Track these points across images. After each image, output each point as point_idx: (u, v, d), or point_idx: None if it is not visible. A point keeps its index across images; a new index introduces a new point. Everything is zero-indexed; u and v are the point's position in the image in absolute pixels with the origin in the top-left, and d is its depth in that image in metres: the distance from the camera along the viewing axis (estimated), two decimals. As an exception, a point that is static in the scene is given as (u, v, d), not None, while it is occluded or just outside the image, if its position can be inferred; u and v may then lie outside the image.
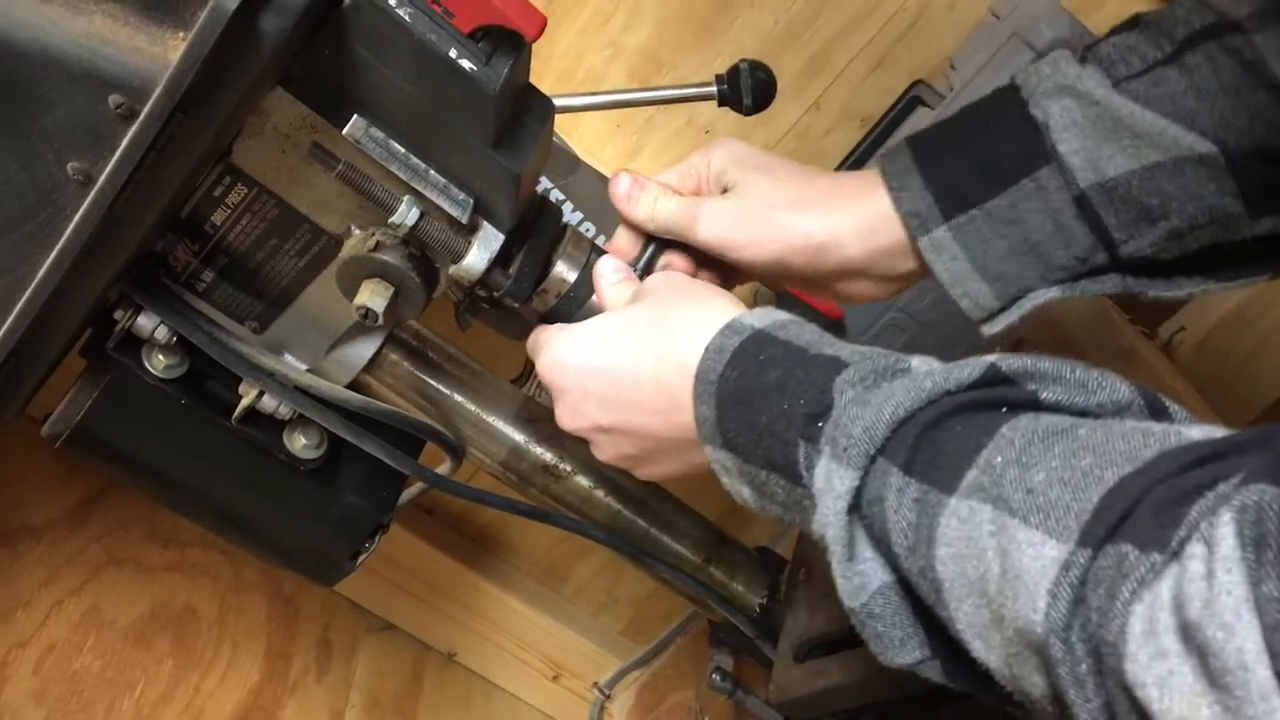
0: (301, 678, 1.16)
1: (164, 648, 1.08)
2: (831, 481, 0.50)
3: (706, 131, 1.12)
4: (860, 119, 1.12)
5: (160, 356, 0.72)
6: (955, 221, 0.68)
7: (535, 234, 0.71)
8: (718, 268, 0.75)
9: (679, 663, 1.22)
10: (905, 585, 0.50)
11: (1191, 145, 0.64)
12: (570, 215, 1.00)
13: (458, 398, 0.83)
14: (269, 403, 0.73)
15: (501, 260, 0.69)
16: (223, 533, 0.85)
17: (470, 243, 0.67)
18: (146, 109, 0.53)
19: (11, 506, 1.06)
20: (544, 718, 1.35)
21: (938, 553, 0.47)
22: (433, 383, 0.82)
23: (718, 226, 0.71)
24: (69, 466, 1.07)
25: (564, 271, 0.73)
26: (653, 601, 1.37)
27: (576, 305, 0.74)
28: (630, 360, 0.62)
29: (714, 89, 0.96)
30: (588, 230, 1.01)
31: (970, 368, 0.50)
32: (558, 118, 0.72)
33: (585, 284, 0.73)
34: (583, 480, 0.87)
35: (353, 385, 0.77)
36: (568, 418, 0.67)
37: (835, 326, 1.10)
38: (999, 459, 0.45)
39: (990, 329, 0.70)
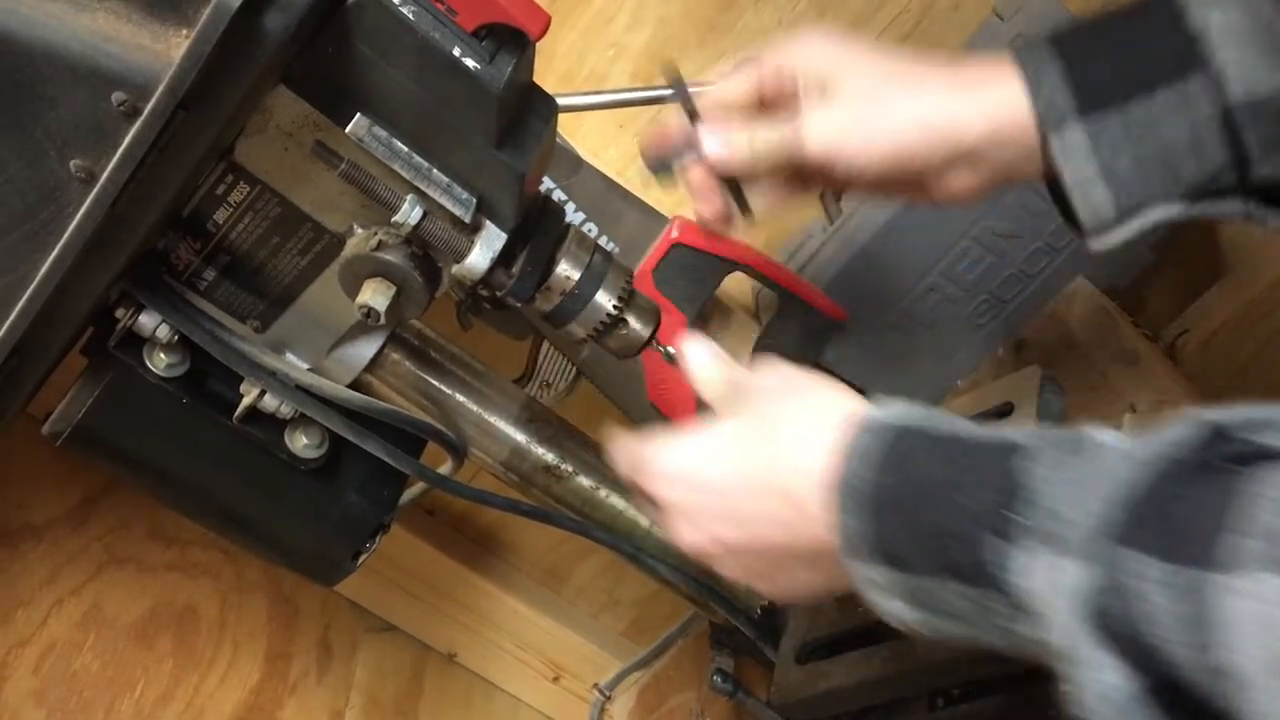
0: (302, 678, 1.16)
1: (165, 647, 1.08)
2: (1052, 576, 0.44)
3: (709, 132, 1.12)
4: (863, 120, 1.11)
5: (162, 355, 0.72)
6: (1091, 119, 0.63)
7: (538, 233, 0.71)
8: (816, 179, 0.71)
9: (680, 664, 1.22)
10: (1164, 687, 0.43)
11: None
12: (573, 216, 1.00)
13: (459, 397, 0.83)
14: (270, 402, 0.73)
15: (504, 260, 0.69)
16: (224, 532, 0.85)
17: (473, 242, 0.67)
18: (149, 107, 0.53)
19: (12, 505, 1.06)
20: (544, 719, 1.34)
21: (1230, 640, 0.40)
22: (434, 382, 0.82)
23: (827, 138, 0.66)
24: (70, 465, 1.07)
25: (567, 270, 0.73)
26: (654, 602, 1.37)
27: (580, 304, 0.73)
28: (746, 472, 0.58)
29: None
30: (590, 231, 1.01)
31: (1183, 426, 0.44)
32: (560, 118, 0.72)
33: (589, 282, 0.73)
34: (584, 481, 0.87)
35: (354, 385, 0.77)
36: (687, 534, 0.61)
37: (838, 327, 1.10)
38: (1264, 516, 0.40)
39: (1103, 242, 0.66)
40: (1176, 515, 0.43)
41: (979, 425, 0.52)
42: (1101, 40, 0.64)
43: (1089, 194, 0.64)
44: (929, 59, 0.68)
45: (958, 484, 0.49)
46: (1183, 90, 0.62)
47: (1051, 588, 0.45)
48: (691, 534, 0.61)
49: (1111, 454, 0.46)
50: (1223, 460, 0.43)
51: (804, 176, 0.71)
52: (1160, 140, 0.63)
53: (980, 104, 0.65)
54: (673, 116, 0.73)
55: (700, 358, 0.67)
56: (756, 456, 0.57)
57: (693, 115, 0.71)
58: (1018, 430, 0.50)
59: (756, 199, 0.72)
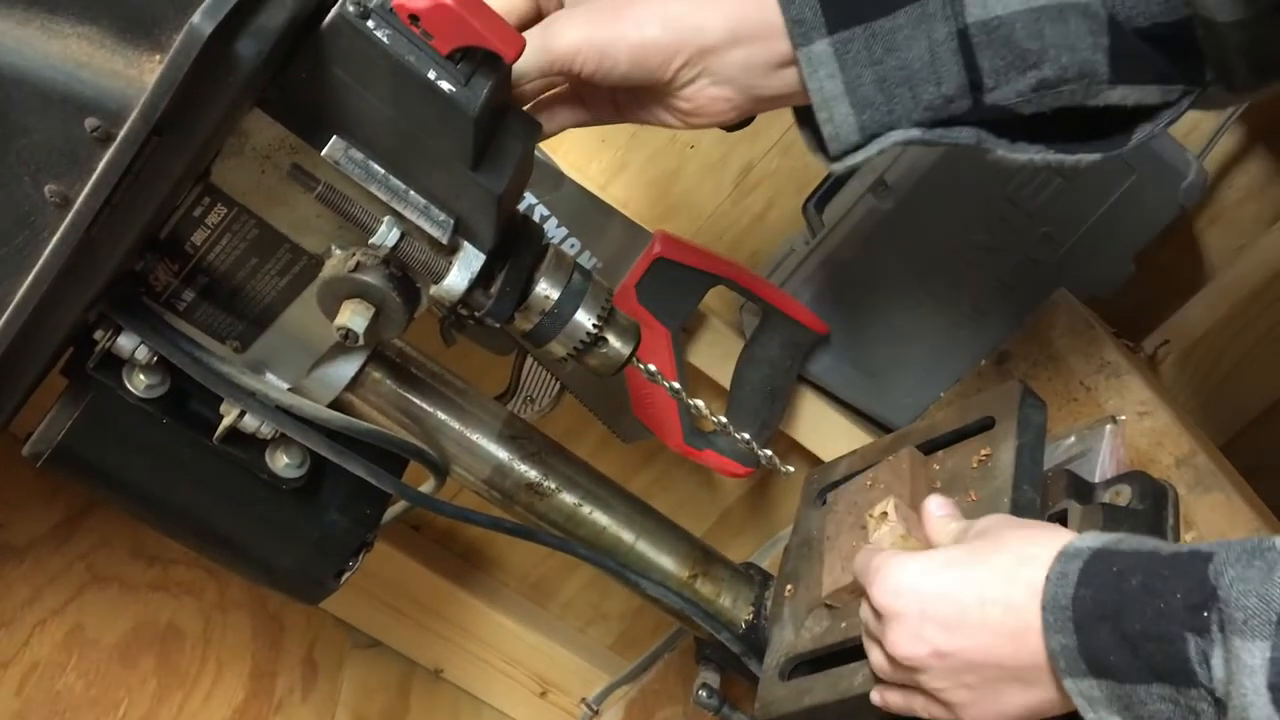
0: (287, 696, 1.15)
1: (148, 667, 1.07)
2: (1240, 658, 0.50)
3: (691, 147, 1.12)
4: (845, 134, 1.12)
5: (141, 376, 0.72)
6: (839, 36, 0.64)
7: (517, 253, 0.71)
8: (593, 105, 0.71)
9: (666, 678, 1.22)
10: None
11: None
12: (555, 231, 1.01)
13: (441, 415, 0.83)
14: (251, 422, 0.73)
15: (483, 280, 0.69)
16: (205, 552, 0.85)
17: (451, 263, 0.67)
18: (123, 132, 0.53)
19: (-6, 525, 1.05)
20: (532, 734, 1.34)
21: None
22: (416, 400, 0.82)
23: (574, 34, 0.65)
24: (52, 484, 1.07)
25: (546, 289, 0.73)
26: (641, 617, 1.37)
27: (560, 323, 0.73)
28: (976, 584, 0.61)
29: None
30: (572, 246, 1.01)
31: None
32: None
33: (568, 301, 0.73)
34: (567, 497, 0.87)
35: (335, 404, 0.77)
36: (905, 643, 0.63)
37: (820, 340, 1.10)
38: None
39: (844, 164, 0.68)
40: None
41: (1169, 543, 0.57)
42: None
43: (834, 113, 0.65)
44: None
45: (1152, 589, 0.54)
46: (925, 6, 0.63)
47: (1246, 670, 0.50)
48: (910, 643, 0.63)
49: None
50: None
51: (579, 95, 0.71)
52: (901, 59, 0.64)
53: (725, 6, 0.65)
54: None
55: (936, 509, 0.71)
56: (990, 571, 0.61)
57: None
58: (1207, 544, 0.55)
59: (549, 121, 0.71)
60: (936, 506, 0.72)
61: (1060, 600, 0.56)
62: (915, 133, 0.67)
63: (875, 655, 0.68)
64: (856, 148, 0.67)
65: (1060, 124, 0.67)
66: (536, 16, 0.68)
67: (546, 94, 0.72)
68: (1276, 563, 0.51)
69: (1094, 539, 0.59)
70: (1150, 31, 0.65)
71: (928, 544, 0.72)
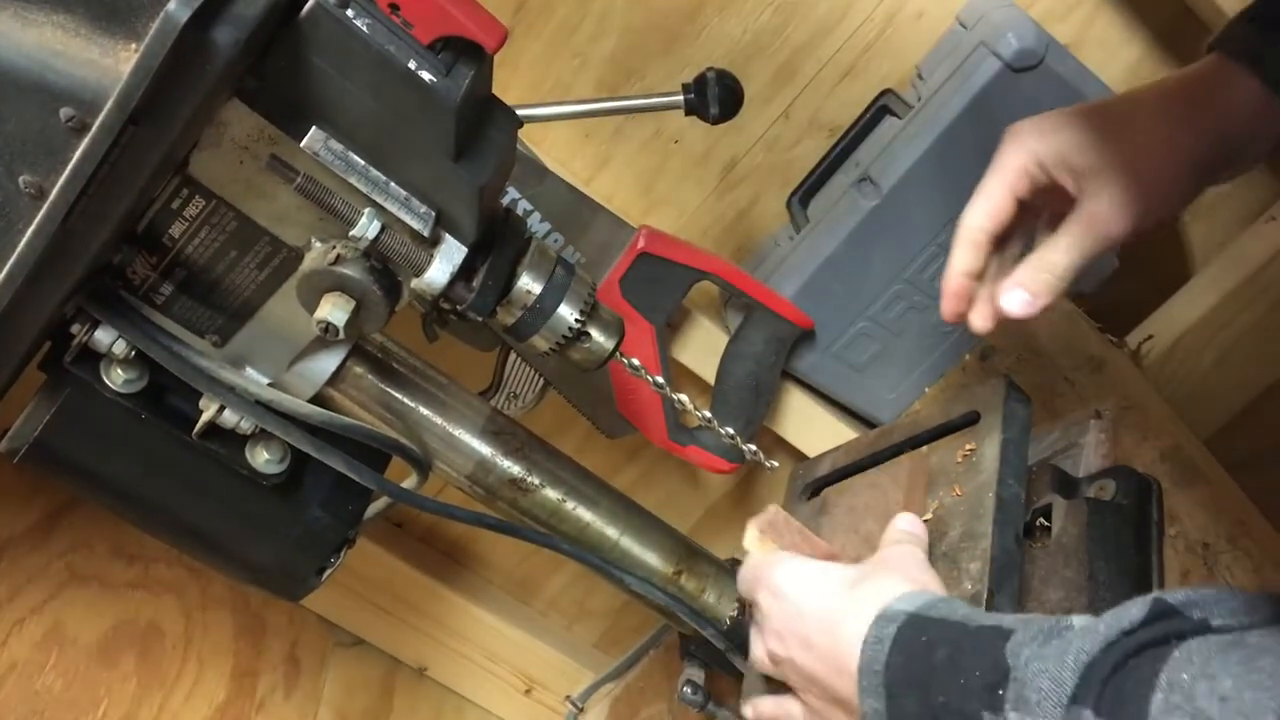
0: (269, 695, 1.14)
1: (128, 666, 1.06)
2: None
3: (676, 141, 1.11)
4: (829, 129, 1.12)
5: (119, 371, 0.71)
6: None
7: (499, 247, 0.70)
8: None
9: (651, 675, 1.21)
10: None
11: None
12: (538, 226, 1.00)
13: (423, 411, 0.82)
14: (230, 417, 0.72)
15: (465, 274, 0.68)
16: (185, 549, 0.84)
17: (433, 256, 0.66)
18: (98, 122, 0.52)
19: (-29, 523, 1.04)
20: (516, 732, 1.34)
21: None
22: (398, 396, 0.81)
23: (1130, 216, 0.68)
24: (30, 482, 1.05)
25: (529, 284, 0.72)
26: (625, 613, 1.37)
27: (543, 318, 0.73)
28: (830, 612, 0.66)
29: (681, 98, 0.96)
30: (555, 241, 1.01)
31: (1138, 606, 0.53)
32: (526, 127, 0.72)
33: (551, 296, 0.72)
34: (551, 493, 0.86)
35: (316, 399, 0.76)
36: (772, 643, 0.70)
37: (805, 335, 1.10)
38: (1183, 676, 0.48)
39: None
40: (1121, 680, 0.51)
41: (977, 611, 0.61)
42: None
43: None
44: (1148, 91, 0.71)
45: (956, 664, 0.57)
46: None
47: None
48: (775, 644, 0.70)
49: (1082, 633, 0.54)
50: (1165, 633, 0.52)
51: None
52: None
53: (1234, 96, 0.69)
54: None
55: (900, 532, 0.75)
56: (838, 604, 0.66)
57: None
58: (1011, 616, 0.58)
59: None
60: (907, 525, 0.76)
61: (874, 665, 0.60)
62: None
63: (757, 645, 0.74)
64: None
65: None
66: (1016, 212, 0.72)
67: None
68: (1070, 644, 0.53)
69: (911, 601, 0.62)
70: None
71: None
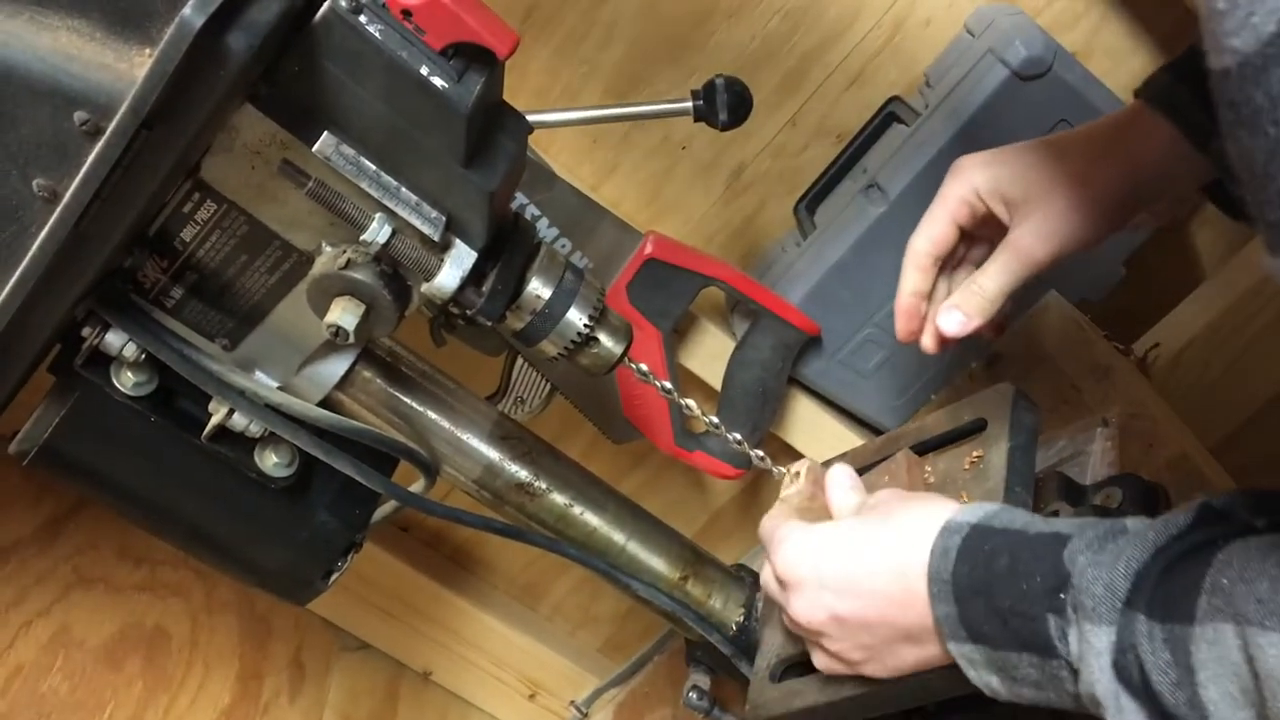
0: (274, 698, 1.14)
1: (134, 669, 1.07)
2: (1089, 641, 0.55)
3: (683, 148, 1.12)
4: (836, 135, 1.12)
5: (129, 374, 0.71)
6: None
7: (509, 252, 0.70)
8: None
9: (656, 681, 1.21)
10: None
11: None
12: (547, 231, 1.00)
13: (432, 415, 0.83)
14: (239, 420, 0.72)
15: (474, 279, 0.69)
16: (193, 552, 0.84)
17: (443, 260, 0.66)
18: (112, 126, 0.52)
19: (-21, 525, 1.05)
20: (521, 737, 1.34)
21: (1199, 679, 0.52)
22: (406, 400, 0.81)
23: (1049, 240, 0.75)
24: (38, 484, 1.06)
25: (538, 289, 0.72)
26: (630, 619, 1.37)
27: (552, 322, 0.73)
28: (866, 553, 0.67)
29: (689, 105, 0.96)
30: (563, 246, 1.01)
31: (1186, 513, 0.57)
32: (534, 134, 0.72)
33: (560, 300, 0.72)
34: (558, 498, 0.86)
35: (325, 402, 0.76)
36: (804, 609, 0.70)
37: (811, 341, 1.10)
38: (1224, 580, 0.52)
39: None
40: (1170, 584, 0.54)
41: (1038, 518, 0.63)
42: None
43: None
44: (1073, 136, 0.77)
45: (1017, 571, 0.59)
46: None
47: (1094, 652, 0.56)
48: (809, 609, 0.69)
49: (1134, 538, 0.57)
50: (1212, 536, 0.54)
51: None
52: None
53: (1155, 142, 0.74)
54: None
55: (841, 479, 0.77)
56: (878, 541, 0.67)
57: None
58: (1069, 521, 0.61)
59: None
60: (840, 476, 0.77)
61: (942, 574, 0.62)
62: None
63: (785, 617, 0.74)
64: None
65: None
66: (956, 235, 0.79)
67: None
68: (1123, 550, 0.56)
69: (973, 513, 0.64)
70: None
71: (828, 509, 0.77)
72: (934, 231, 0.79)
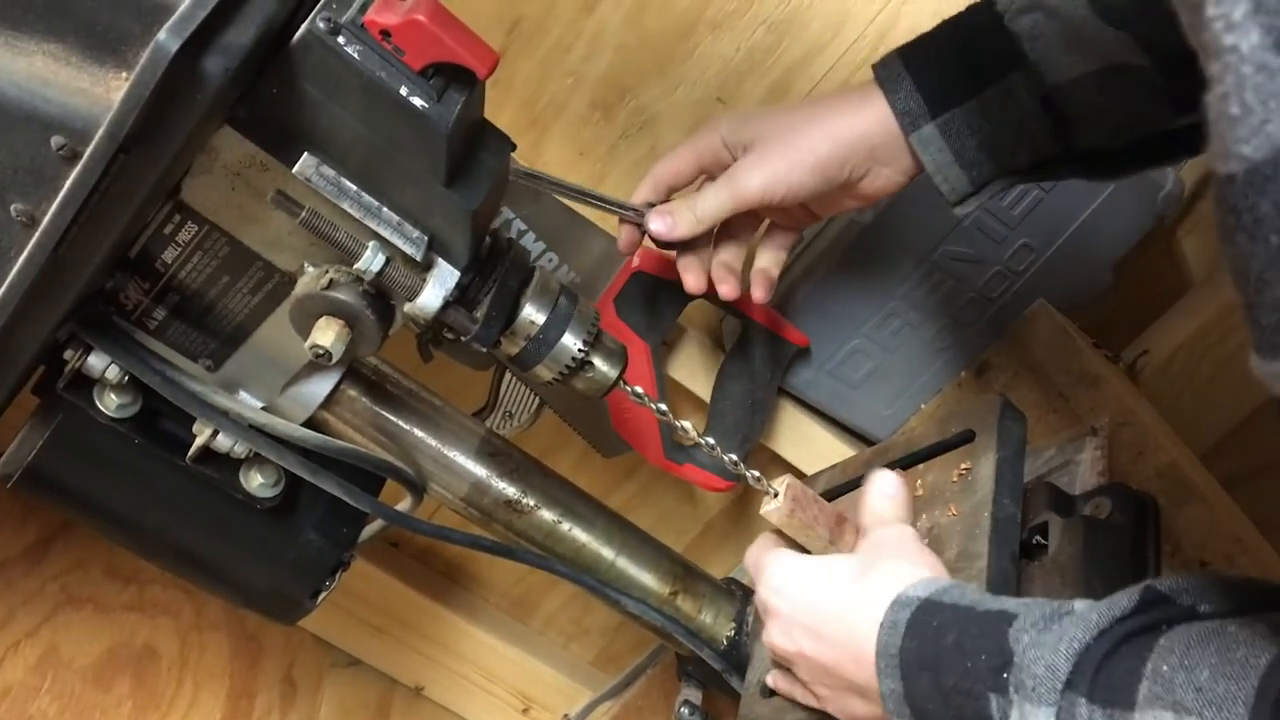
0: (265, 716, 1.14)
1: (123, 689, 1.06)
2: None
3: (670, 160, 1.11)
4: (823, 146, 1.12)
5: (112, 396, 0.71)
6: (940, 118, 0.77)
7: (502, 277, 0.70)
8: (772, 230, 0.87)
9: (649, 694, 1.21)
10: None
11: (1130, 55, 0.73)
12: (533, 245, 1.00)
13: (418, 433, 0.82)
14: (224, 441, 0.72)
15: (468, 304, 0.69)
16: (180, 573, 0.83)
17: (425, 280, 0.66)
18: (89, 150, 0.52)
19: (-34, 547, 1.04)
20: (514, 751, 1.33)
21: None
22: (392, 418, 0.81)
23: (760, 177, 0.79)
24: (25, 504, 1.05)
25: (533, 314, 0.72)
26: (623, 632, 1.36)
27: (547, 347, 0.73)
28: (834, 603, 0.69)
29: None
30: (550, 260, 1.01)
31: (1130, 595, 0.57)
32: (521, 145, 0.72)
33: (554, 326, 0.72)
34: (546, 515, 0.86)
35: (310, 422, 0.76)
36: (779, 638, 0.73)
37: (801, 353, 1.10)
38: (1165, 666, 0.52)
39: (962, 209, 0.81)
40: (1112, 668, 0.54)
41: (987, 596, 0.64)
42: (941, 51, 0.78)
43: (947, 175, 0.79)
44: (821, 97, 0.84)
45: (963, 648, 0.60)
46: (1008, 84, 0.76)
47: None
48: (782, 639, 0.72)
49: (1078, 619, 0.57)
50: (1156, 620, 0.55)
51: (754, 219, 0.86)
52: (996, 126, 0.77)
53: (870, 114, 0.79)
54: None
55: (886, 487, 0.77)
56: (845, 595, 0.69)
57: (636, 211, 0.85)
58: (1016, 601, 0.62)
59: (777, 251, 0.89)
60: (884, 484, 0.78)
61: (890, 649, 0.63)
62: (1018, 177, 0.80)
63: (764, 640, 0.76)
64: (971, 195, 0.80)
65: (1145, 144, 0.79)
66: (696, 172, 0.85)
67: (768, 228, 0.88)
68: (1066, 631, 0.56)
69: (924, 587, 0.65)
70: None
71: (809, 526, 0.78)
72: (675, 163, 0.84)
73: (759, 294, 0.88)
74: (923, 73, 0.77)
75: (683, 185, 0.86)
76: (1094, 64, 0.75)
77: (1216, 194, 0.41)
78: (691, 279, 0.86)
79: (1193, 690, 0.50)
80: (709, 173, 0.85)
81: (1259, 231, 0.39)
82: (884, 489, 0.77)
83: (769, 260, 0.88)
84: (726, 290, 0.86)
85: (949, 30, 0.79)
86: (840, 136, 0.79)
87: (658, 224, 0.83)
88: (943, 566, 0.71)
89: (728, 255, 0.86)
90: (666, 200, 0.85)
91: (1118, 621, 0.56)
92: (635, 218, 0.85)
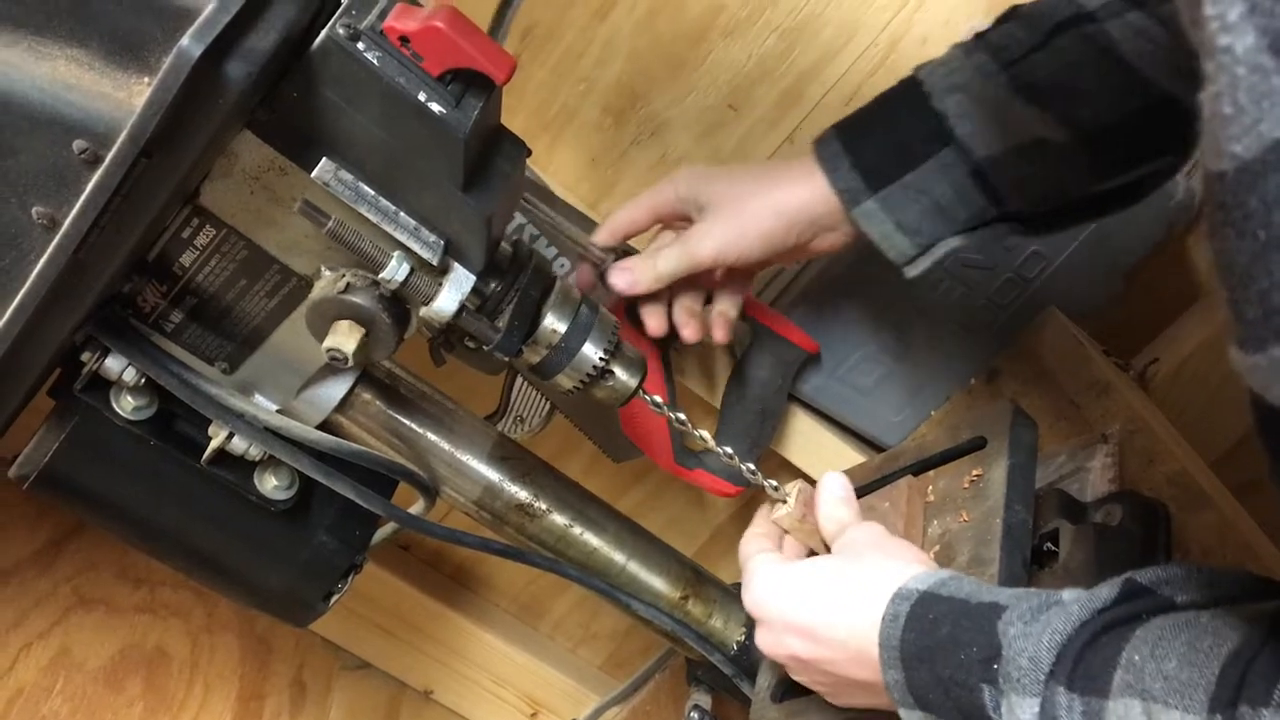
0: (275, 718, 1.14)
1: (134, 690, 1.06)
2: (1016, 712, 0.57)
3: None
4: (834, 153, 1.12)
5: (128, 398, 0.71)
6: (880, 194, 0.83)
7: (524, 287, 0.71)
8: (729, 275, 0.90)
9: (658, 699, 1.21)
10: None
11: (1049, 131, 0.79)
12: (545, 250, 1.00)
13: (431, 436, 0.83)
14: (239, 444, 0.73)
15: (489, 313, 0.69)
16: (193, 575, 0.84)
17: (441, 284, 0.67)
18: (111, 154, 0.52)
19: (-21, 548, 1.04)
20: (522, 755, 1.33)
21: None
22: (405, 421, 0.82)
23: (713, 244, 0.84)
24: (38, 506, 1.06)
25: (554, 324, 0.73)
26: (631, 636, 1.36)
27: (568, 357, 0.74)
28: (827, 605, 0.70)
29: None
30: (562, 266, 1.01)
31: (1111, 587, 0.59)
32: (534, 151, 0.72)
33: (575, 336, 0.73)
34: (558, 519, 0.87)
35: (324, 425, 0.76)
36: (768, 645, 0.74)
37: (811, 359, 1.10)
38: (1136, 656, 0.54)
39: (913, 271, 0.86)
40: (1091, 658, 0.57)
41: (984, 587, 0.65)
42: (874, 130, 0.84)
43: (893, 242, 0.84)
44: (769, 165, 0.92)
45: (957, 640, 0.62)
46: (940, 159, 0.82)
47: None
48: (772, 646, 0.74)
49: (1061, 611, 0.59)
50: (1136, 611, 0.58)
51: (709, 276, 0.90)
52: (933, 197, 0.83)
53: (812, 188, 0.84)
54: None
55: (835, 489, 0.79)
56: (839, 595, 0.70)
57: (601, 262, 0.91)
58: (1010, 592, 0.63)
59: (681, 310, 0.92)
60: (833, 485, 0.80)
61: (891, 641, 0.65)
62: (959, 240, 0.85)
63: (755, 643, 0.77)
64: (917, 259, 0.85)
65: (1076, 205, 0.86)
66: (653, 222, 0.90)
67: (726, 273, 0.91)
68: (1050, 622, 0.58)
69: (923, 580, 0.66)
70: (1120, 125, 0.79)
71: (819, 530, 0.79)
72: (633, 213, 0.90)
73: (719, 335, 0.93)
74: (860, 152, 0.83)
75: (637, 234, 0.92)
76: (1016, 139, 0.80)
77: (1207, 190, 0.42)
78: (654, 323, 0.91)
79: (1160, 679, 0.52)
80: (665, 223, 0.90)
81: (1246, 227, 0.40)
82: (834, 493, 0.79)
83: (727, 304, 0.92)
84: (689, 334, 0.91)
85: (880, 108, 0.85)
86: (784, 209, 0.84)
87: (621, 280, 0.87)
88: (919, 551, 0.74)
89: (688, 300, 0.91)
90: (622, 244, 0.91)
91: (1097, 613, 0.58)
92: (594, 257, 0.90)
